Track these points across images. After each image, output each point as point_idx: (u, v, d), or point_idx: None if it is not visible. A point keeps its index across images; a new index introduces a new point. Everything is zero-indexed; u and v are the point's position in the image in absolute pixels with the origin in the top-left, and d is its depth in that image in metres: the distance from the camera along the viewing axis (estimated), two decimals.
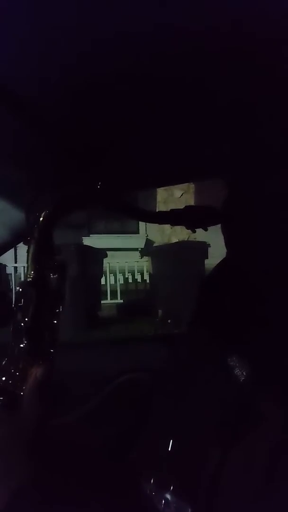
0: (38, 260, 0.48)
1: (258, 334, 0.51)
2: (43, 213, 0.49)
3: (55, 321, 0.49)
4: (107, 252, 5.33)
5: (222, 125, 0.66)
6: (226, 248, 0.63)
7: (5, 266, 5.02)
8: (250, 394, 0.47)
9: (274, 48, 0.45)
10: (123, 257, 6.47)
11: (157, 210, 0.61)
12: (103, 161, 0.77)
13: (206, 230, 0.61)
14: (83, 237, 6.81)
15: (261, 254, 0.56)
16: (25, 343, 0.46)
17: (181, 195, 6.83)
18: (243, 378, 0.48)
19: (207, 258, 4.69)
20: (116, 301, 5.92)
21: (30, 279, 0.48)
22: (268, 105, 0.58)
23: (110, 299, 5.92)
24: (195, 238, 4.97)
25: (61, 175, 0.81)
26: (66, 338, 0.57)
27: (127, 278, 6.46)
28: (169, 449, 0.52)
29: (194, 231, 0.61)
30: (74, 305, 3.74)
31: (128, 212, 0.57)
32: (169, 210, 0.59)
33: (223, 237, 0.63)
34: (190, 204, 0.62)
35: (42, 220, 0.49)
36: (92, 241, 6.41)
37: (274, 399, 0.45)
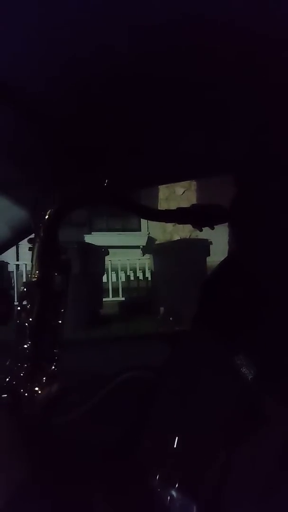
0: (43, 260, 0.48)
1: (262, 333, 0.50)
2: (49, 212, 0.49)
3: (59, 321, 0.49)
4: (109, 249, 5.33)
5: (226, 124, 0.66)
6: (230, 246, 0.63)
7: (7, 263, 5.03)
8: (256, 393, 0.47)
9: (276, 48, 0.45)
10: (125, 254, 6.47)
11: (160, 208, 0.60)
12: (106, 159, 0.77)
13: (212, 228, 0.61)
14: (84, 235, 6.80)
15: (266, 252, 0.56)
16: (29, 344, 0.45)
17: (183, 192, 6.82)
18: (250, 377, 0.48)
19: (209, 255, 4.69)
20: (117, 299, 5.92)
21: (35, 279, 0.47)
22: (272, 105, 0.58)
23: (112, 297, 5.92)
24: (197, 236, 4.96)
25: (64, 174, 0.81)
26: (68, 336, 0.58)
27: (129, 276, 6.45)
28: (174, 446, 0.52)
29: (200, 230, 0.61)
30: (75, 303, 3.74)
31: (134, 210, 0.57)
32: (175, 208, 0.58)
33: (225, 234, 0.63)
34: (195, 202, 0.62)
35: (47, 219, 0.48)
36: (94, 238, 6.41)
37: (280, 398, 0.45)
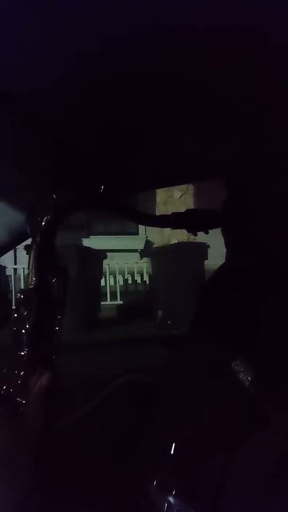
0: (40, 266, 0.47)
1: (259, 337, 0.50)
2: (45, 218, 0.48)
3: (57, 328, 0.48)
4: (107, 253, 5.32)
5: (223, 127, 0.66)
6: (227, 250, 0.63)
7: (5, 267, 5.01)
8: (254, 397, 0.47)
9: (276, 48, 0.45)
10: (123, 258, 6.46)
11: (157, 212, 0.60)
12: (103, 163, 0.77)
13: (207, 233, 0.61)
14: (82, 238, 6.80)
15: (262, 256, 0.56)
16: (26, 351, 0.45)
17: (181, 196, 6.84)
18: (247, 383, 0.47)
19: (206, 259, 4.69)
20: (115, 302, 5.91)
21: (32, 285, 0.47)
22: (270, 107, 0.58)
23: (110, 301, 5.91)
24: (194, 240, 4.97)
25: (61, 177, 0.81)
26: (66, 339, 0.57)
27: (127, 279, 6.45)
28: (172, 451, 0.51)
29: (195, 235, 0.61)
30: (73, 307, 3.73)
31: (129, 215, 0.56)
32: (170, 213, 0.58)
33: (223, 238, 0.63)
34: (190, 207, 0.62)
35: (44, 224, 0.48)
36: (92, 242, 6.39)
37: (277, 402, 0.45)
